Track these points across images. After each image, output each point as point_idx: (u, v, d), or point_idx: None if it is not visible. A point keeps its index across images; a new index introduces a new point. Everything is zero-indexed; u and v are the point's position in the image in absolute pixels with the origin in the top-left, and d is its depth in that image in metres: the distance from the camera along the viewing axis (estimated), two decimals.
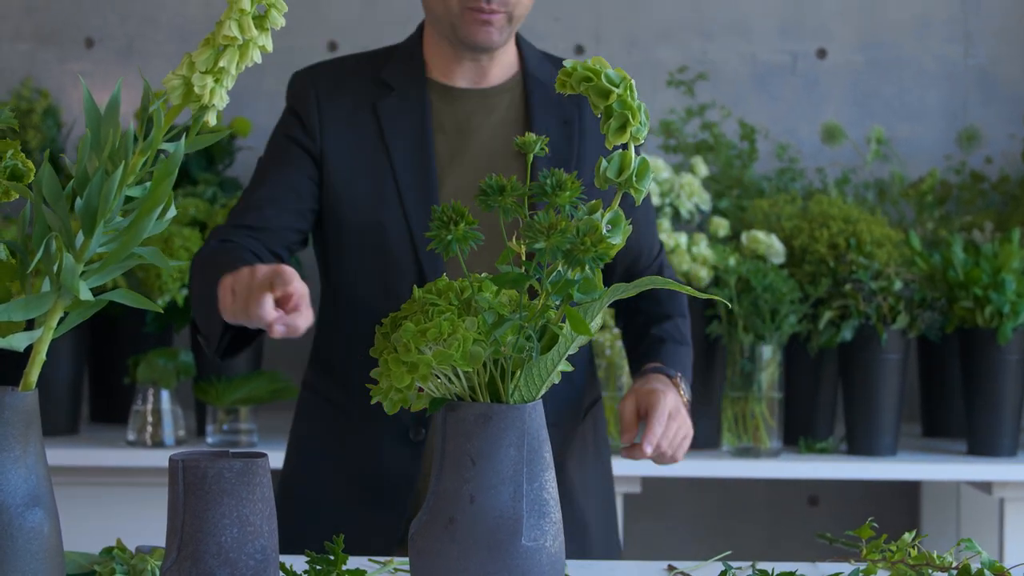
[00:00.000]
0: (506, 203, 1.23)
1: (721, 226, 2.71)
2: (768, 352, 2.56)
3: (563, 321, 1.23)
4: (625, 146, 1.23)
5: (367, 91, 1.86)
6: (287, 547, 1.43)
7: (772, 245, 2.61)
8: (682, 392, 1.78)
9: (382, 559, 1.58)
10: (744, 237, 2.62)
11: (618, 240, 1.22)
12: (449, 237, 1.21)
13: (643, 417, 1.68)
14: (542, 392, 1.30)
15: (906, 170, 2.92)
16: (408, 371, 1.20)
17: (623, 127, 1.21)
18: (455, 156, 1.86)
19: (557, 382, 1.30)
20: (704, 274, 2.59)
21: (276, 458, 2.30)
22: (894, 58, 3.11)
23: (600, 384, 2.15)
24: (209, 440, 2.60)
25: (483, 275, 1.28)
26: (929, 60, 3.08)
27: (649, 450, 1.63)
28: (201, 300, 1.68)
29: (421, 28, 1.92)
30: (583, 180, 1.32)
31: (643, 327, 1.98)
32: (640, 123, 1.22)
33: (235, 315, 1.47)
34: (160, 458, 2.50)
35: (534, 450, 1.27)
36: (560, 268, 1.23)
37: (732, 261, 2.59)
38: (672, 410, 1.68)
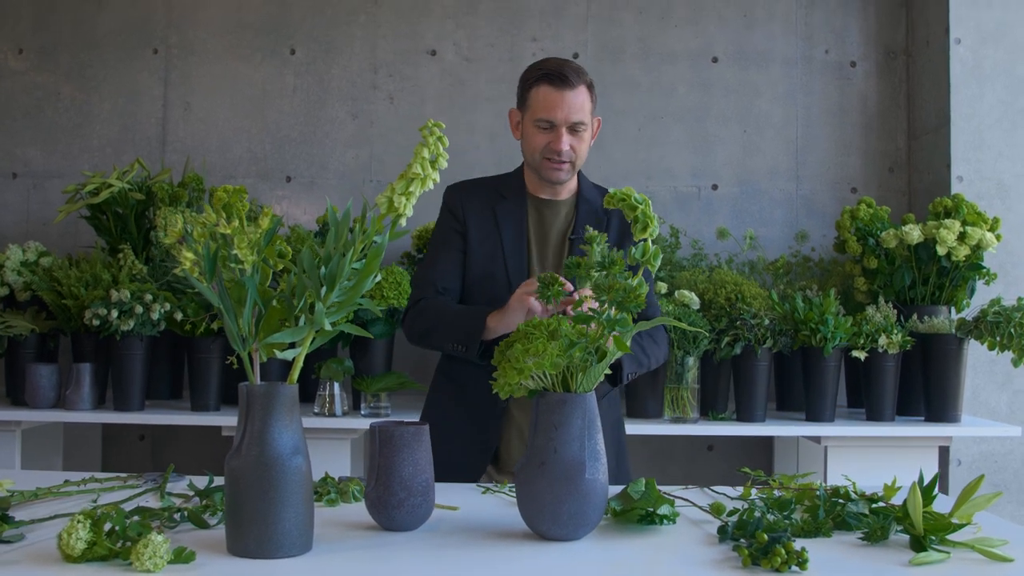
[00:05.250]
0: (581, 273, 1.62)
1: (662, 287, 3.37)
2: (691, 361, 3.18)
3: (609, 344, 1.52)
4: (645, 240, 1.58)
5: (490, 198, 2.29)
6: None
7: (692, 298, 3.25)
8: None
9: (495, 485, 1.96)
10: (676, 293, 3.27)
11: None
12: (549, 293, 1.64)
13: None
14: (595, 386, 1.57)
15: (766, 255, 3.78)
16: (518, 373, 1.49)
17: (645, 227, 1.57)
18: (537, 237, 2.28)
19: (602, 379, 1.58)
20: None
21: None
22: (756, 191, 3.97)
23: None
24: (362, 413, 3.18)
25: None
26: (777, 192, 3.97)
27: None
28: (454, 328, 2.13)
29: (523, 164, 2.36)
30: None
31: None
32: (655, 226, 1.56)
33: (505, 325, 2.01)
34: (333, 423, 3.14)
35: (591, 420, 1.53)
36: (610, 312, 1.51)
37: (670, 307, 3.17)
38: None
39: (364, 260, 1.45)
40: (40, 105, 3.95)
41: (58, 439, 3.48)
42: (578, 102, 2.18)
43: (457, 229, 2.28)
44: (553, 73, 2.18)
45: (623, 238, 2.33)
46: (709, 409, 3.37)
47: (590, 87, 2.22)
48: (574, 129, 2.19)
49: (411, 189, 1.43)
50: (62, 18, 3.97)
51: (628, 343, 1.52)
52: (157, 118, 3.95)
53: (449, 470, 2.03)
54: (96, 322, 3.07)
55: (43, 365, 3.19)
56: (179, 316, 3.16)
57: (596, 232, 1.63)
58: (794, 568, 1.35)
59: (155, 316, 3.09)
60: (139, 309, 3.07)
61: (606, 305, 1.51)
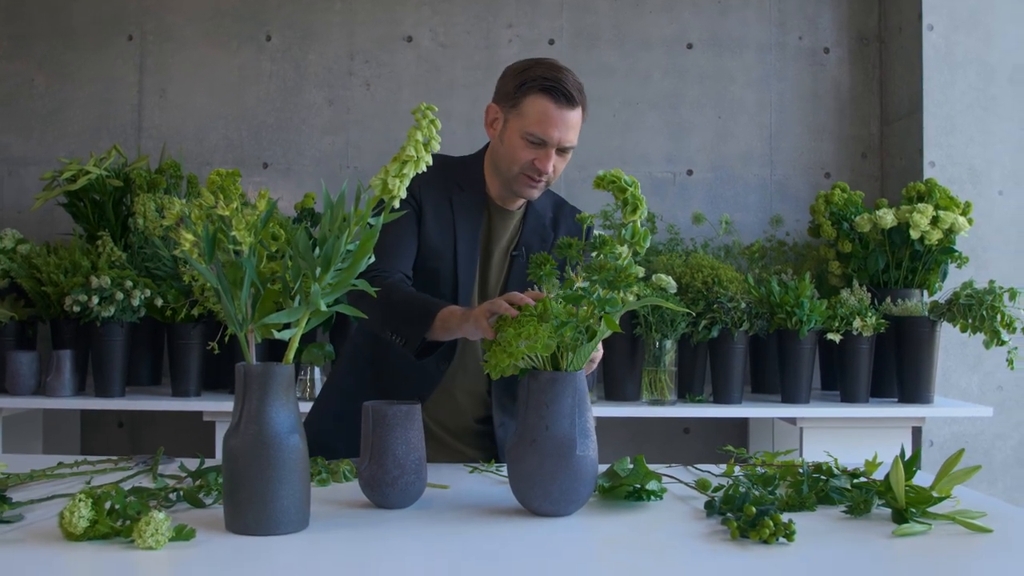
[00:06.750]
0: (572, 253, 1.61)
1: (639, 271, 3.55)
2: (668, 344, 3.25)
3: (599, 322, 1.56)
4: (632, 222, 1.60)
5: (447, 186, 2.13)
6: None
7: (669, 282, 3.27)
8: None
9: (483, 465, 1.99)
10: (653, 277, 3.27)
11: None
12: (541, 273, 1.62)
13: None
14: (584, 365, 1.60)
15: (741, 240, 3.85)
16: (509, 357, 1.52)
17: (635, 210, 1.58)
18: (484, 244, 2.18)
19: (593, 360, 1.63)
20: (631, 298, 3.27)
21: None
22: (731, 176, 4.04)
23: None
24: None
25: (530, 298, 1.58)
26: (751, 177, 4.03)
27: None
28: (402, 319, 1.92)
29: (483, 151, 2.21)
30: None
31: None
32: (644, 208, 1.57)
33: (456, 331, 1.81)
34: None
35: (582, 398, 1.56)
36: (600, 292, 1.54)
37: (647, 291, 3.10)
38: None
39: (358, 242, 1.46)
40: (14, 92, 3.92)
41: (37, 425, 3.47)
42: (575, 123, 2.02)
43: (413, 208, 2.09)
44: (557, 88, 1.99)
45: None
46: (686, 391, 3.43)
47: (585, 107, 2.06)
48: (562, 150, 2.05)
49: (405, 171, 1.43)
50: (36, 5, 3.94)
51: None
52: (132, 105, 3.93)
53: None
54: (77, 308, 3.06)
55: (23, 352, 3.19)
56: (159, 302, 3.16)
57: (567, 240, 1.62)
58: (782, 540, 1.39)
59: (135, 302, 3.09)
60: (119, 295, 3.07)
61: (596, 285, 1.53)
